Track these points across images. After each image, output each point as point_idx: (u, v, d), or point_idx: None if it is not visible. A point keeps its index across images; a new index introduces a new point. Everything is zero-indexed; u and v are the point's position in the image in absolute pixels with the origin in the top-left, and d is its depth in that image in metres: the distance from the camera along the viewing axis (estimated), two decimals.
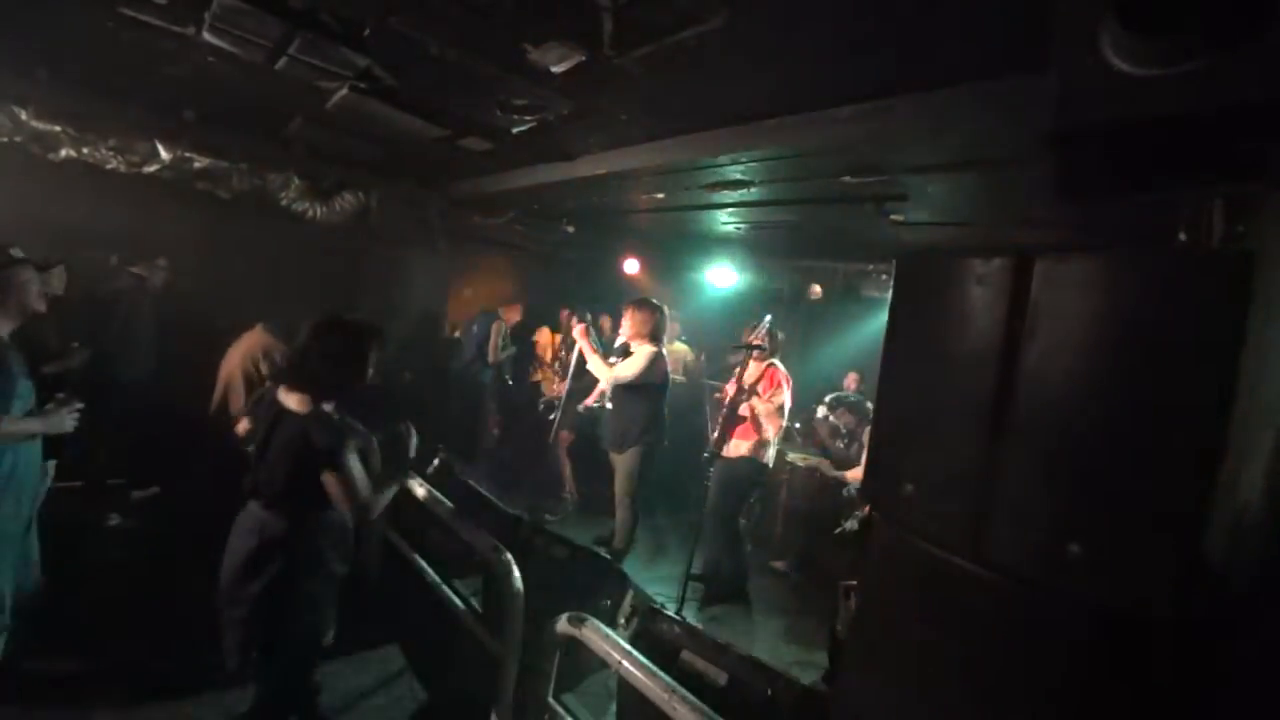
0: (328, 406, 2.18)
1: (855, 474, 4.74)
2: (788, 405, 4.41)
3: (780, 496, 5.24)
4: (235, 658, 2.19)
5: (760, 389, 4.32)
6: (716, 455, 4.33)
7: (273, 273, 5.40)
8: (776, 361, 4.44)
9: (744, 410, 4.27)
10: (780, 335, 4.53)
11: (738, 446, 4.35)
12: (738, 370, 4.42)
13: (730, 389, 4.47)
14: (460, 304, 7.19)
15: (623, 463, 4.46)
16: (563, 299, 6.87)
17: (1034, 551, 1.10)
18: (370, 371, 2.30)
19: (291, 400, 2.17)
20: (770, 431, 4.32)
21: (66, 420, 2.48)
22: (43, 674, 2.73)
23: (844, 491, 4.77)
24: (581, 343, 4.47)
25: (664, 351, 4.47)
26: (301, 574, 2.18)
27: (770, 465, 4.51)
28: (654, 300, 4.53)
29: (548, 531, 3.40)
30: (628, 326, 4.42)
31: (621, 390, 4.43)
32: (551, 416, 5.51)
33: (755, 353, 4.30)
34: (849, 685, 1.54)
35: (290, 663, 2.30)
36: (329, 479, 2.09)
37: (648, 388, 4.37)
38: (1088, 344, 1.08)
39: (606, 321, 6.04)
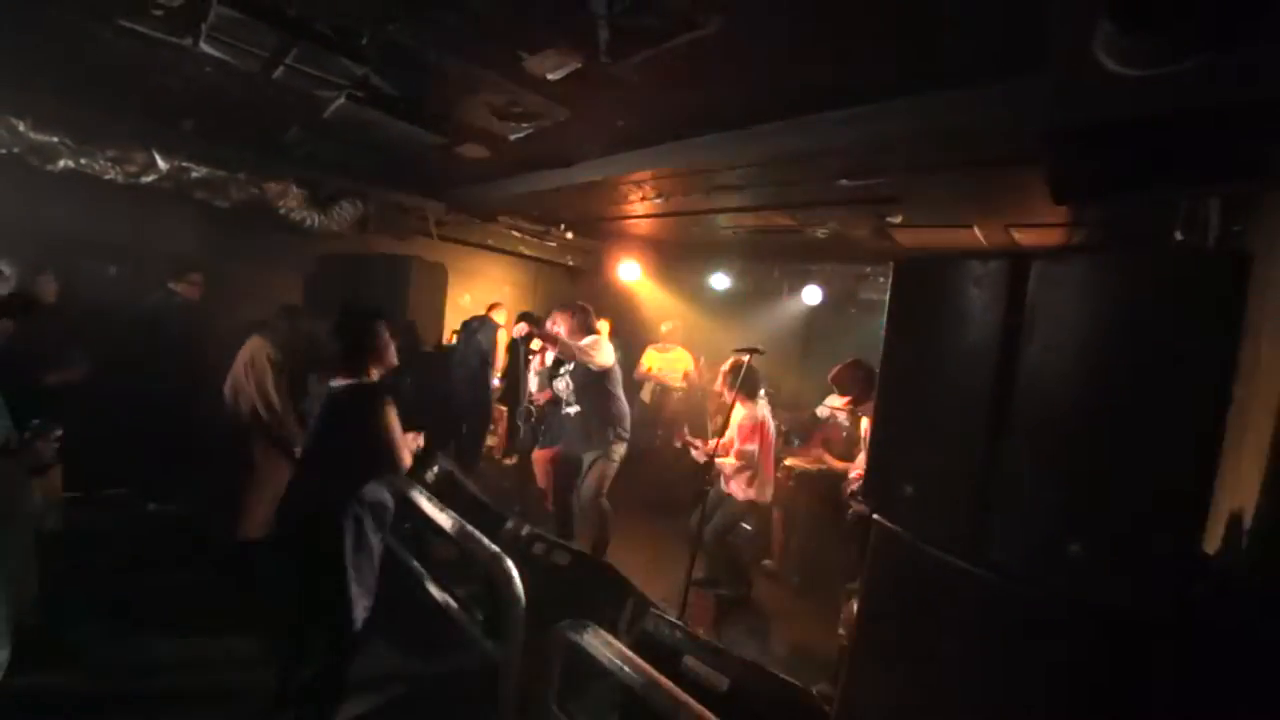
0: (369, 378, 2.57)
1: (855, 468, 4.74)
2: (758, 449, 4.39)
3: (778, 501, 5.22)
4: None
5: (734, 438, 4.38)
6: (715, 469, 4.35)
7: (271, 282, 5.42)
8: (758, 406, 4.45)
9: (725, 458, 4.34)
10: (756, 357, 4.16)
11: (735, 488, 4.42)
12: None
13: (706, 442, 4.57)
14: (459, 311, 7.19)
15: (595, 463, 4.48)
16: (560, 304, 6.86)
17: (1034, 551, 1.10)
18: (390, 349, 2.67)
19: (336, 381, 2.57)
20: (747, 479, 4.37)
21: (46, 452, 2.45)
22: (46, 689, 2.72)
23: (846, 489, 4.76)
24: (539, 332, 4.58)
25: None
26: (348, 550, 2.43)
27: (768, 499, 4.57)
28: (577, 303, 4.71)
29: (549, 538, 3.39)
30: (564, 330, 4.57)
31: (588, 387, 4.52)
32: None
33: (727, 396, 4.38)
34: (852, 689, 1.53)
35: (333, 637, 2.51)
36: (372, 426, 2.43)
37: (610, 377, 4.50)
38: (1085, 344, 1.09)
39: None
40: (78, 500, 3.69)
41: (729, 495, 4.42)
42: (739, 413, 4.38)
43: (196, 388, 4.22)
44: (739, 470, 4.35)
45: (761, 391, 4.57)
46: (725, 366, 4.46)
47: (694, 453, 4.57)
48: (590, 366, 4.39)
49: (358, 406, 2.51)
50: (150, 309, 4.59)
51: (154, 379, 4.31)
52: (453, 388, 6.10)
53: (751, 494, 4.39)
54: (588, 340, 4.44)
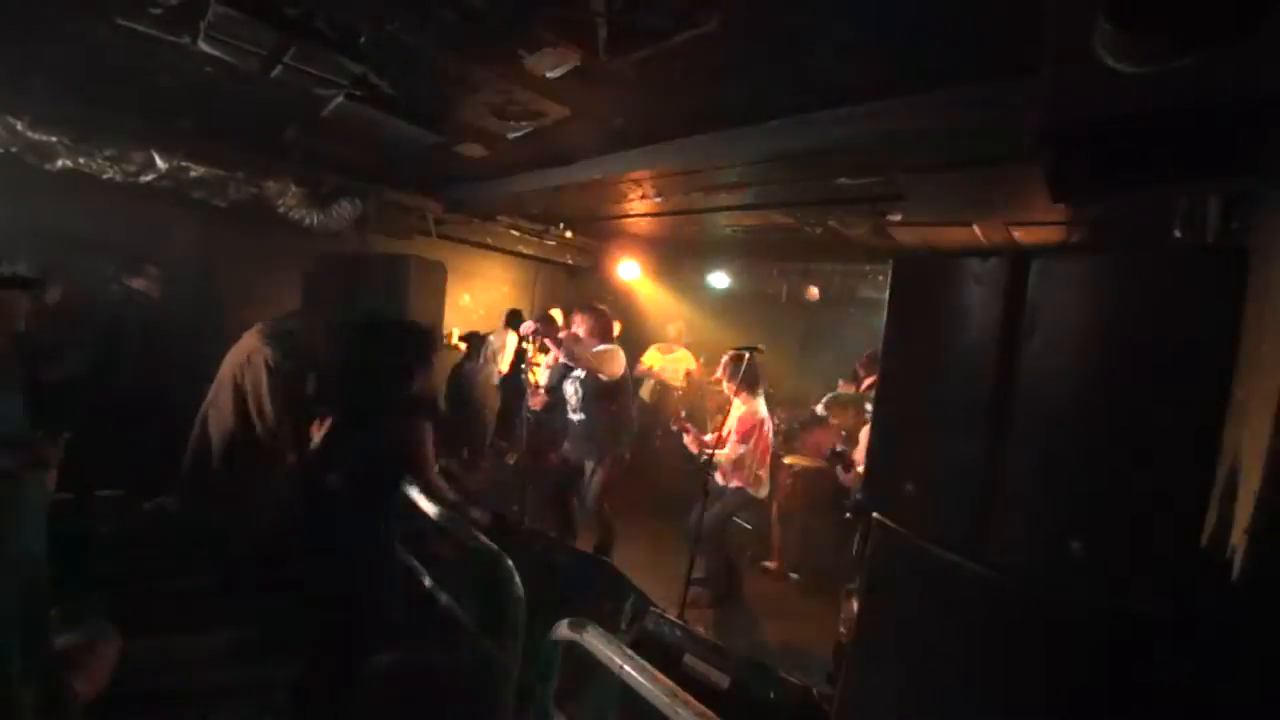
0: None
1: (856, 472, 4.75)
2: (752, 447, 4.42)
3: (777, 499, 5.22)
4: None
5: (731, 433, 4.39)
6: (712, 468, 4.36)
7: (270, 281, 5.41)
8: (758, 404, 4.47)
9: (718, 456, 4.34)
10: (756, 355, 4.17)
11: (728, 478, 4.45)
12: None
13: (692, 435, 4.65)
14: (458, 310, 7.18)
15: (600, 471, 4.37)
16: (560, 304, 6.86)
17: (1035, 549, 1.10)
18: (429, 368, 2.64)
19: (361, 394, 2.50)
20: (743, 475, 4.41)
21: (56, 455, 2.46)
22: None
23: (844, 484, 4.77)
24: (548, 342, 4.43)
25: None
26: (382, 572, 2.52)
27: (764, 495, 4.61)
28: (597, 306, 4.60)
29: (549, 537, 3.39)
30: (582, 331, 4.42)
31: (594, 396, 4.35)
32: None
33: (728, 389, 4.43)
34: (852, 687, 1.53)
35: (357, 653, 2.59)
36: (410, 431, 2.43)
37: (622, 388, 4.40)
38: (1085, 342, 1.09)
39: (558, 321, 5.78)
40: (72, 500, 3.66)
41: (726, 487, 4.45)
42: (739, 408, 4.41)
43: (167, 385, 4.21)
44: (734, 465, 4.38)
45: (761, 391, 4.59)
46: (725, 358, 4.48)
47: (686, 439, 4.60)
48: (600, 377, 4.24)
49: (394, 425, 2.45)
50: (108, 307, 4.51)
51: (122, 377, 4.29)
52: (469, 395, 6.09)
53: (747, 487, 4.42)
54: (602, 349, 4.29)
